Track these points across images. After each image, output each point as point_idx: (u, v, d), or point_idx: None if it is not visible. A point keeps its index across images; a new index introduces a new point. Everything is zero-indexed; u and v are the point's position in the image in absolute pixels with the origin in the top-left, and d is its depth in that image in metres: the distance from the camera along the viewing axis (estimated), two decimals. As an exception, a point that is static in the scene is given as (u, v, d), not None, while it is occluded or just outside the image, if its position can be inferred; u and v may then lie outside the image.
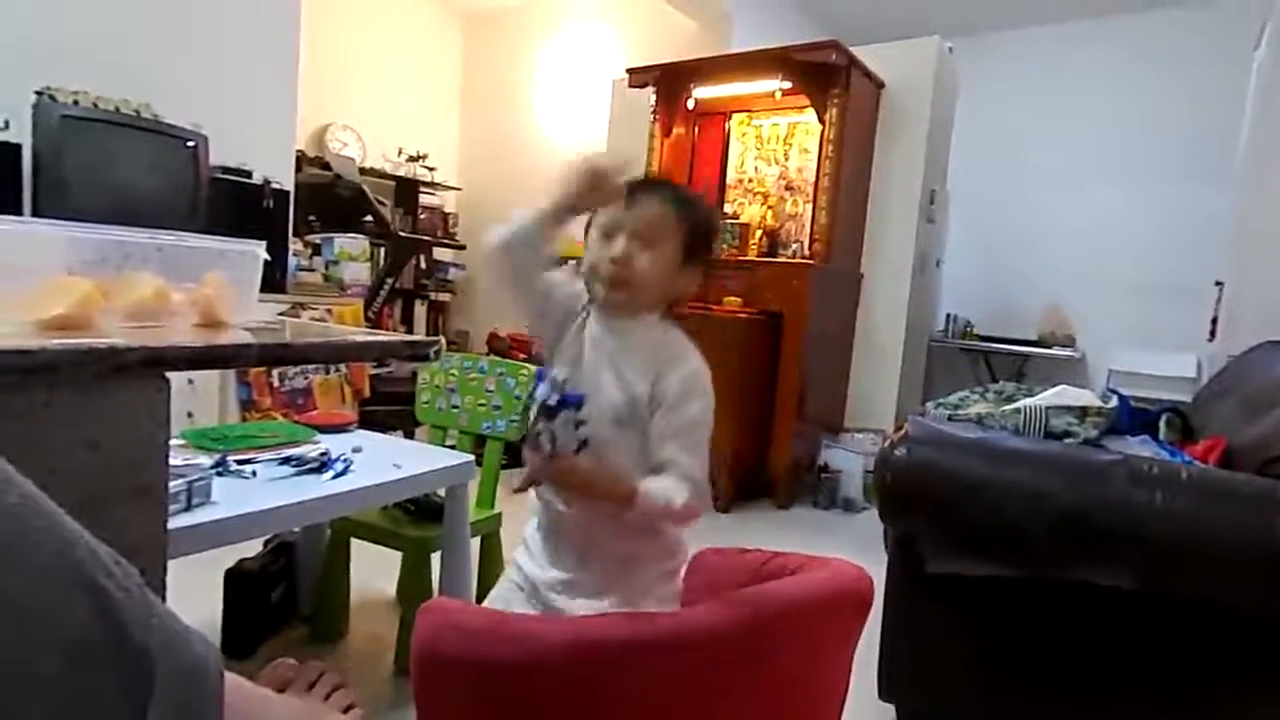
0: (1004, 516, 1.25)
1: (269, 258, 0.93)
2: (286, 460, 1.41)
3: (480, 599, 1.84)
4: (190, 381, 2.59)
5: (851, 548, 2.58)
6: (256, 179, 3.15)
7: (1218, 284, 2.95)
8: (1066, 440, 1.42)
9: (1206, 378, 4.02)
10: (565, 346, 1.02)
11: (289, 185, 3.38)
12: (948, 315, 4.96)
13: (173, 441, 1.49)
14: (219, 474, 1.32)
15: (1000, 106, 4.88)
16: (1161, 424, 1.58)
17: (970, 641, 1.38)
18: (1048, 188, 4.86)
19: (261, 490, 1.26)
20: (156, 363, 0.65)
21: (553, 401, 0.95)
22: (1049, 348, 4.69)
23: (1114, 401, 1.45)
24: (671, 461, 0.92)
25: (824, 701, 0.93)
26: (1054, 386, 1.61)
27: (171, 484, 1.10)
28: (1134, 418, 1.51)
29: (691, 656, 0.78)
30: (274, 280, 3.18)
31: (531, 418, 0.97)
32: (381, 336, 0.93)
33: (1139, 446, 1.40)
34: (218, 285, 0.82)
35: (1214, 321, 3.06)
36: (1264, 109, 2.64)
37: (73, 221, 0.82)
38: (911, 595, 1.45)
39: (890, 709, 1.53)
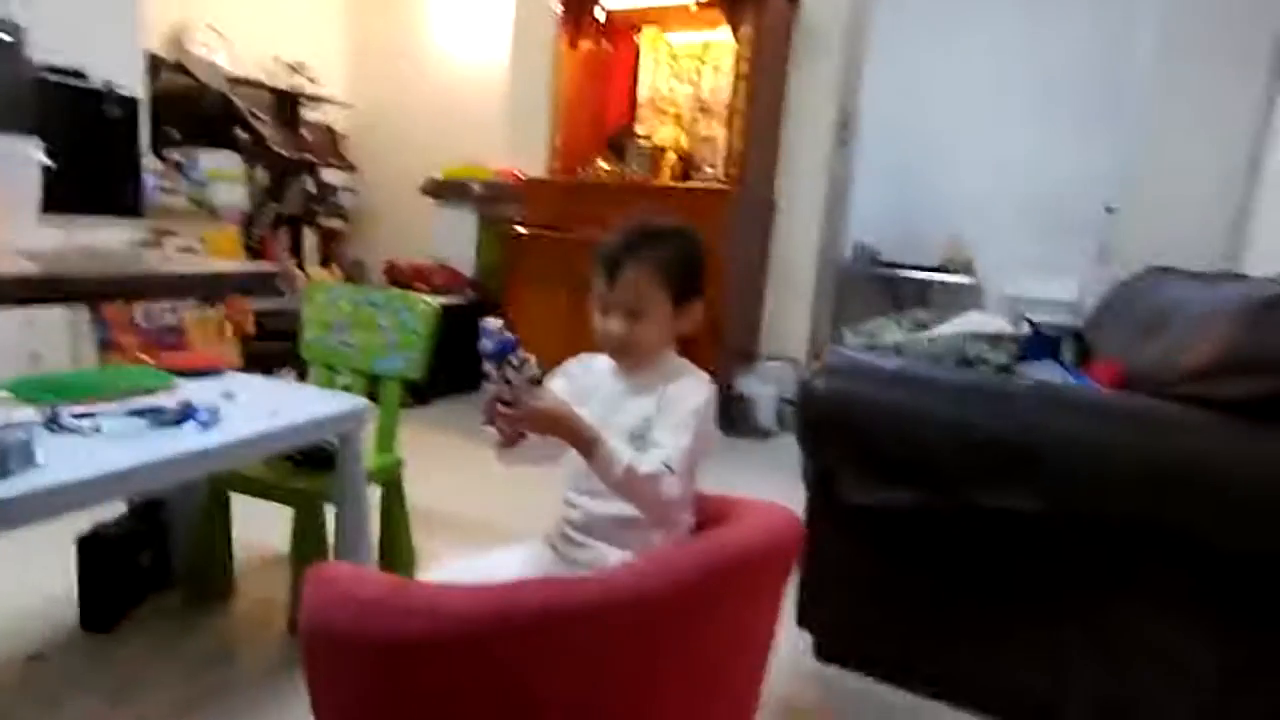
0: (921, 444, 1.24)
1: (50, 162, 0.73)
2: (138, 412, 1.22)
3: (383, 552, 1.73)
4: (29, 321, 2.25)
5: (765, 475, 2.61)
6: (96, 83, 2.69)
7: (1109, 210, 3.07)
8: (980, 367, 1.42)
9: (1089, 302, 4.30)
10: (584, 389, 1.09)
11: (139, 92, 2.92)
12: (855, 243, 5.02)
13: (-9, 394, 1.26)
14: (50, 430, 1.12)
15: (912, 27, 4.83)
16: (1064, 348, 1.61)
17: (883, 569, 1.39)
18: (951, 113, 4.92)
19: (103, 449, 1.07)
20: None
21: (493, 349, 0.91)
22: (950, 275, 4.86)
23: (1024, 328, 1.46)
24: (655, 443, 0.97)
25: (758, 649, 0.89)
26: (963, 314, 1.61)
27: (-25, 447, 0.91)
28: (1040, 343, 1.53)
29: (621, 622, 0.70)
30: (126, 202, 2.78)
31: (490, 371, 0.93)
32: (208, 268, 0.76)
33: (1046, 371, 1.42)
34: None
35: (1103, 248, 3.21)
36: (1164, 40, 2.70)
37: None
38: (829, 526, 1.45)
39: (806, 636, 1.55)
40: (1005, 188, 4.82)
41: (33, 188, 0.73)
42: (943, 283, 4.87)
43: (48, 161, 0.74)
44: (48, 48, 2.52)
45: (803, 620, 1.49)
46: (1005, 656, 1.33)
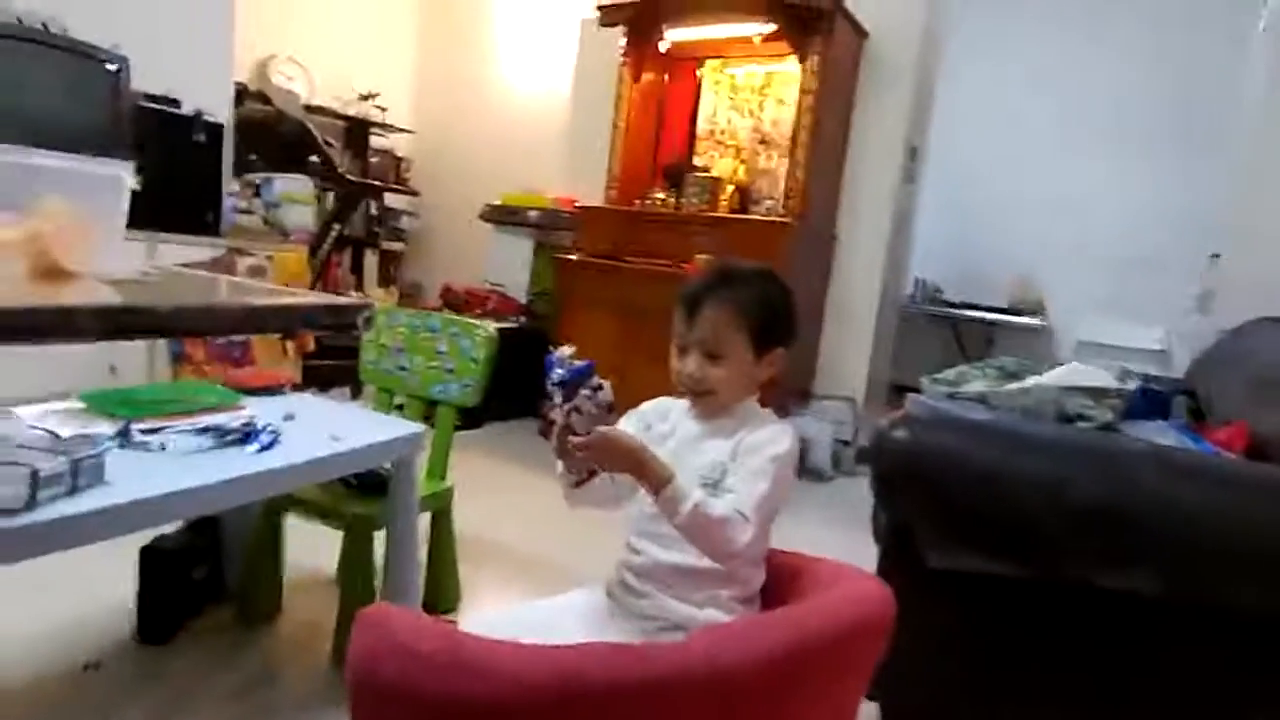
0: (1018, 509, 1.14)
1: (137, 185, 0.72)
2: (204, 430, 1.22)
3: (430, 581, 1.70)
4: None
5: (822, 522, 2.51)
6: (187, 110, 2.81)
7: (1213, 256, 2.89)
8: (1081, 424, 1.32)
9: (1179, 351, 4.05)
10: (658, 435, 1.05)
11: (225, 119, 3.05)
12: (916, 279, 4.88)
13: (69, 405, 1.28)
14: (121, 446, 1.12)
15: (983, 63, 4.73)
16: (1175, 406, 1.49)
17: (967, 639, 1.28)
18: (1025, 150, 4.77)
19: (170, 468, 1.07)
20: None
21: (568, 376, 0.88)
22: (1018, 315, 4.67)
23: (1131, 383, 1.35)
24: (729, 490, 0.93)
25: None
26: (1060, 365, 1.51)
27: (52, 462, 0.91)
28: (1148, 400, 1.41)
29: (694, 700, 0.64)
30: (207, 223, 2.89)
31: (554, 401, 0.91)
32: (292, 300, 0.74)
33: (1159, 433, 1.31)
34: (57, 219, 0.61)
35: (1206, 295, 3.01)
36: (1274, 74, 2.54)
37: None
38: (902, 585, 1.34)
39: (873, 707, 1.44)
40: (1081, 226, 4.62)
41: (120, 210, 0.72)
42: (1010, 324, 4.68)
43: (135, 185, 0.74)
44: (147, 76, 2.65)
45: (871, 690, 1.38)
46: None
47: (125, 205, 0.74)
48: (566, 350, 0.90)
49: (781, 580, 0.98)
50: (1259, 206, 2.40)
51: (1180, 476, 1.05)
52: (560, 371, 0.88)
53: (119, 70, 2.54)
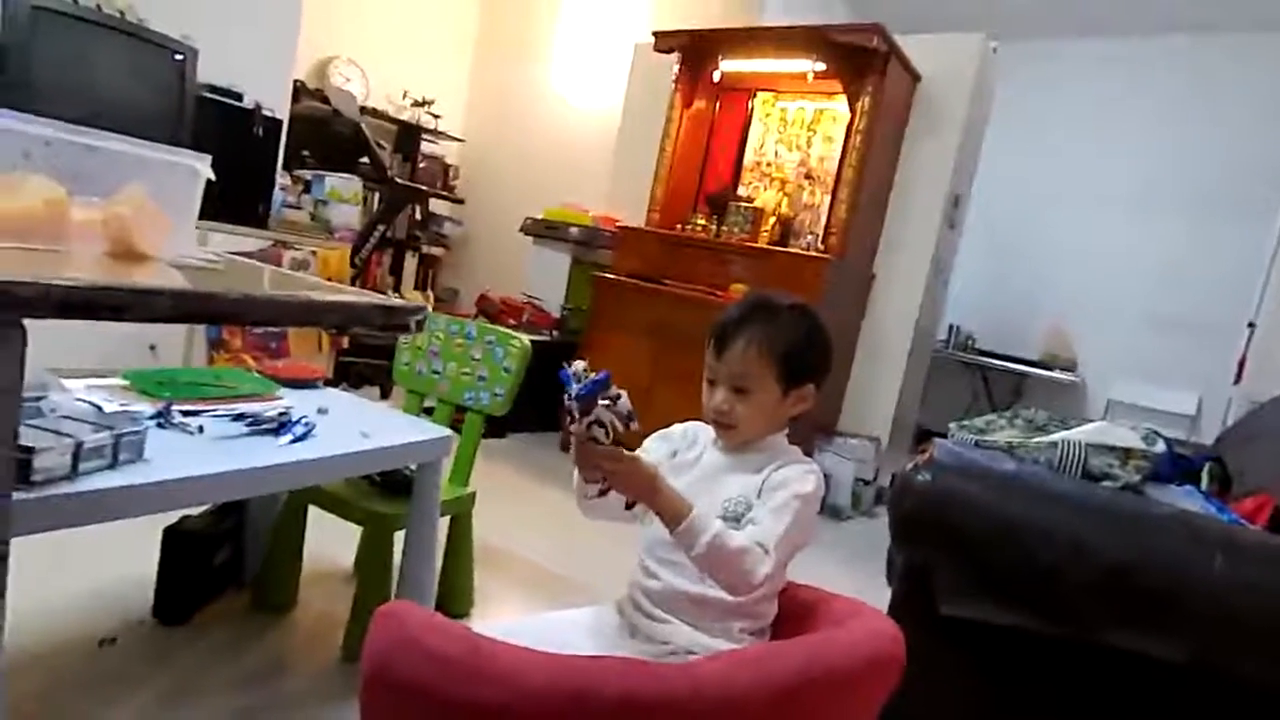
0: (1038, 564, 1.12)
1: (213, 175, 0.76)
2: (240, 416, 1.25)
3: (444, 584, 1.71)
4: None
5: (839, 560, 2.48)
6: (248, 103, 2.93)
7: (1250, 325, 2.84)
8: (1105, 483, 1.29)
9: (1210, 417, 3.96)
10: (683, 462, 1.05)
11: (283, 114, 3.16)
12: (950, 325, 4.84)
13: (112, 382, 1.32)
14: (160, 425, 1.16)
15: (1033, 116, 4.71)
16: (1204, 474, 1.46)
17: (980, 691, 1.26)
18: (1066, 205, 4.73)
19: (205, 450, 1.10)
20: (2, 303, 0.47)
21: (585, 390, 0.87)
22: (1049, 369, 4.60)
23: (1159, 445, 1.33)
24: (752, 521, 0.92)
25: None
26: (1090, 421, 1.48)
27: (95, 436, 0.94)
28: (1175, 464, 1.39)
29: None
30: (256, 214, 2.98)
31: (574, 414, 0.90)
32: (348, 298, 0.76)
33: (1185, 498, 1.28)
34: (137, 204, 0.65)
35: (1240, 363, 2.95)
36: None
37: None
38: (916, 631, 1.32)
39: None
40: (1118, 284, 4.55)
41: (194, 200, 0.76)
42: (1041, 378, 4.60)
43: (212, 176, 0.77)
44: (213, 67, 2.76)
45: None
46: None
47: (199, 195, 0.77)
48: (579, 364, 0.89)
49: (795, 612, 0.98)
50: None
51: (1204, 544, 1.02)
52: (576, 386, 0.88)
53: (186, 60, 2.65)
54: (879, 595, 1.38)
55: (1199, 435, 3.90)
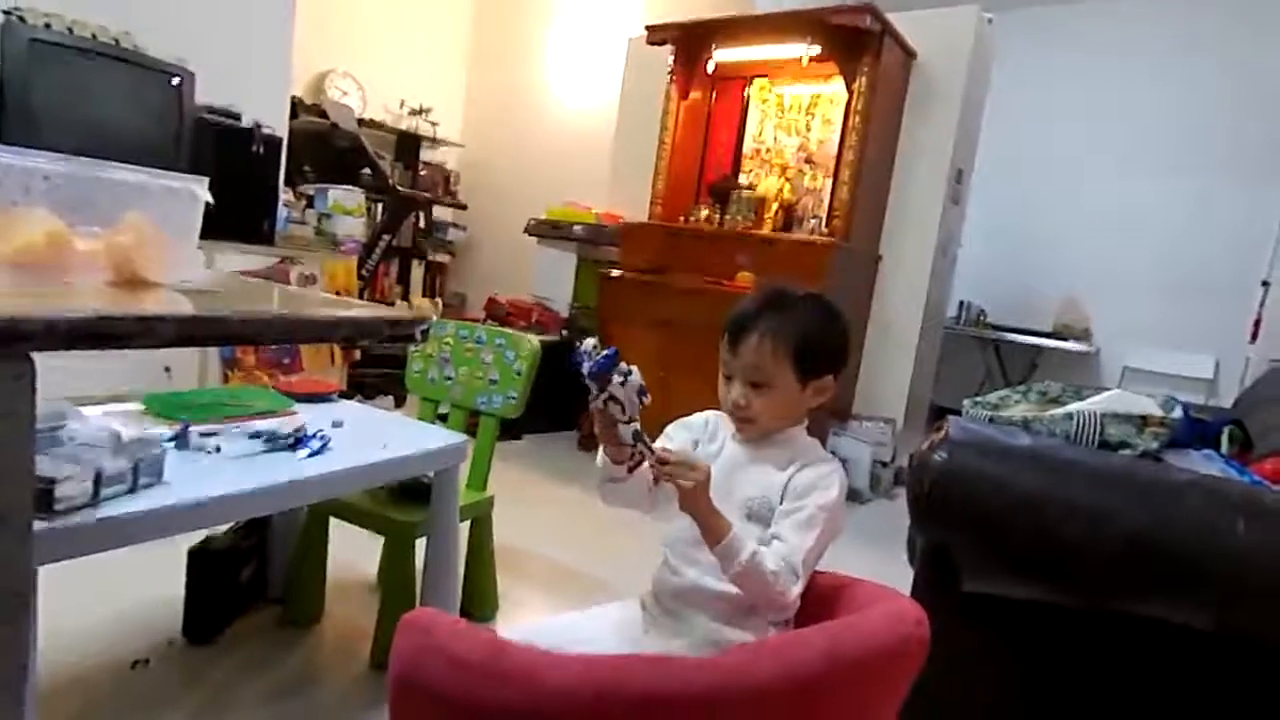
0: (1059, 537, 1.11)
1: (211, 199, 0.77)
2: (257, 434, 1.26)
3: (467, 589, 1.73)
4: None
5: (860, 543, 2.47)
6: (246, 122, 2.95)
7: (1264, 284, 2.80)
8: (1123, 452, 1.28)
9: (1228, 380, 3.90)
10: (705, 455, 1.03)
11: (282, 131, 3.18)
12: (961, 302, 4.80)
13: (130, 407, 1.34)
14: (178, 447, 1.17)
15: (1031, 85, 4.66)
16: (1224, 437, 1.44)
17: (1005, 668, 1.25)
18: (1073, 174, 4.67)
19: (224, 470, 1.11)
20: (9, 337, 0.48)
21: (597, 367, 0.88)
22: (1063, 340, 4.55)
23: (1177, 411, 1.31)
24: (778, 538, 0.92)
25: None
26: (1106, 391, 1.47)
27: (115, 461, 0.96)
28: (1194, 429, 1.37)
29: (731, 713, 0.64)
30: (261, 232, 3.01)
31: (593, 393, 0.90)
32: (355, 312, 0.77)
33: (1204, 463, 1.26)
34: (139, 231, 0.66)
35: (1256, 323, 2.91)
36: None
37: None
38: (941, 609, 1.32)
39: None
40: (1129, 250, 4.50)
41: (195, 224, 0.77)
42: (1056, 349, 4.56)
43: (210, 199, 0.78)
44: (210, 88, 2.78)
45: (902, 715, 1.36)
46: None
47: (199, 218, 0.79)
48: (590, 342, 0.90)
49: (818, 599, 0.98)
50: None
51: (1225, 508, 1.01)
52: (589, 364, 0.88)
53: (184, 84, 2.67)
54: (902, 576, 1.37)
55: (1217, 398, 3.85)
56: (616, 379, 0.88)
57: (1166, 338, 4.32)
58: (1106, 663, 1.17)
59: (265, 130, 2.99)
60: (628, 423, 0.90)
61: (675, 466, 0.89)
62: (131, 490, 0.97)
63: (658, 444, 0.95)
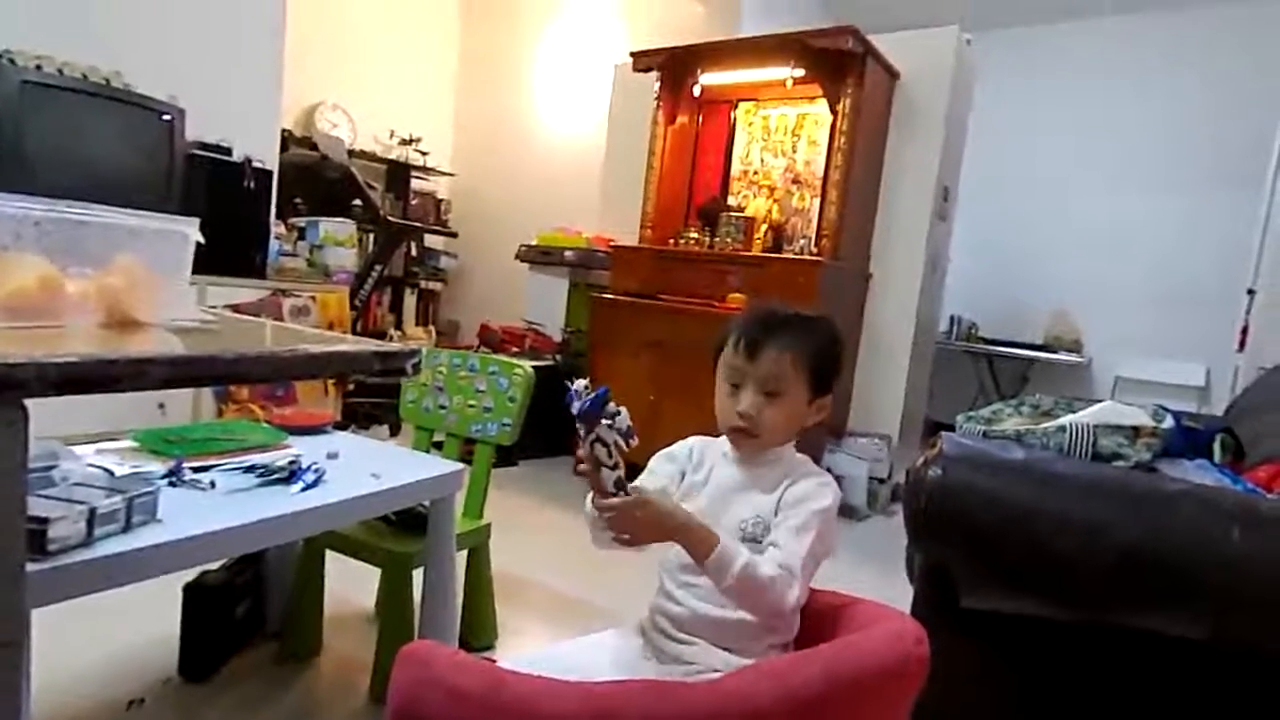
0: (1053, 551, 1.12)
1: (202, 239, 0.77)
2: (251, 468, 1.26)
3: (466, 618, 1.71)
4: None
5: (858, 560, 2.46)
6: (237, 157, 2.97)
7: (1250, 292, 2.84)
8: (1116, 463, 1.29)
9: (1220, 387, 3.93)
10: (691, 486, 1.04)
11: (272, 165, 3.20)
12: (952, 317, 4.84)
13: (123, 445, 1.34)
14: (171, 484, 1.17)
15: (1015, 103, 4.74)
16: (1216, 445, 1.45)
17: (1005, 684, 1.25)
18: (1060, 189, 4.74)
19: (219, 505, 1.11)
20: (1, 385, 0.48)
21: (587, 408, 0.88)
22: (1055, 353, 4.58)
23: (1168, 421, 1.32)
24: (774, 544, 0.92)
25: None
26: (1097, 403, 1.48)
27: (108, 500, 0.95)
28: (1186, 438, 1.38)
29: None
30: (254, 265, 3.02)
31: (581, 434, 0.90)
32: (345, 347, 0.77)
33: (1197, 472, 1.27)
34: (129, 273, 0.66)
35: (1244, 331, 2.95)
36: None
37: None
38: (940, 626, 1.31)
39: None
40: (1118, 262, 4.55)
41: (186, 264, 0.77)
42: (1047, 361, 4.59)
43: (201, 239, 0.79)
44: (200, 124, 2.81)
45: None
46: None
47: (190, 258, 0.79)
48: (581, 383, 0.90)
49: (818, 620, 0.98)
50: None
51: (1219, 517, 1.02)
52: (579, 404, 0.88)
53: (174, 121, 2.70)
54: (902, 593, 1.37)
55: (1209, 406, 3.88)
56: (604, 421, 0.87)
57: (1157, 347, 4.35)
58: (1104, 675, 1.17)
59: (256, 164, 3.01)
60: (612, 468, 0.89)
61: (617, 518, 0.88)
62: (125, 529, 0.96)
63: (640, 479, 0.94)
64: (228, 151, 2.94)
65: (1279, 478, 1.25)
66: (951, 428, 1.56)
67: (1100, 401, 1.46)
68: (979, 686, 1.26)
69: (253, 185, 2.97)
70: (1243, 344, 2.97)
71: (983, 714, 1.27)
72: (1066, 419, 1.35)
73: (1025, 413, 1.53)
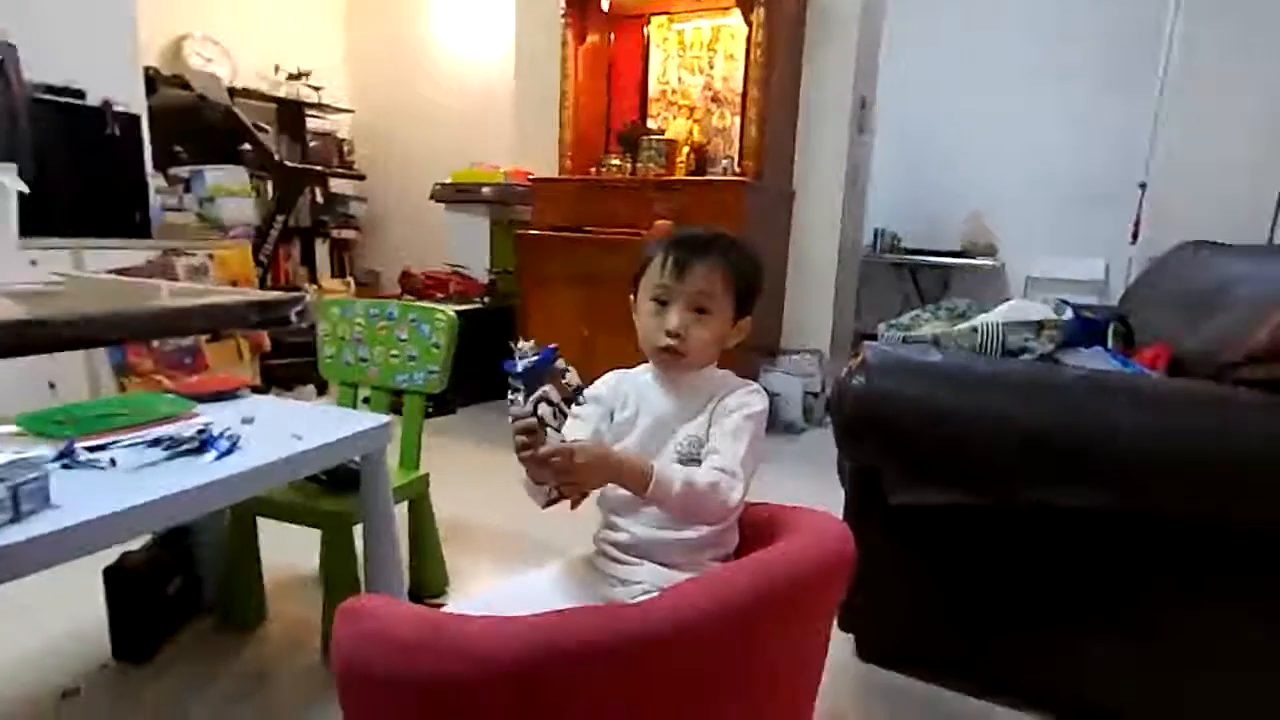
0: (967, 443, 1.18)
1: (25, 188, 0.68)
2: (156, 442, 1.18)
3: (414, 569, 1.70)
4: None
5: (796, 472, 2.56)
6: (93, 100, 2.64)
7: (1141, 186, 2.98)
8: (1024, 356, 1.36)
9: (1116, 280, 4.18)
10: (622, 423, 1.03)
11: (139, 109, 2.88)
12: (875, 230, 4.92)
13: (5, 430, 1.23)
14: (66, 467, 1.08)
15: (924, 8, 4.71)
16: (1109, 333, 1.54)
17: (930, 571, 1.34)
18: (968, 93, 4.79)
19: (121, 484, 1.03)
20: None
21: (528, 367, 0.85)
22: (972, 258, 4.75)
23: (1067, 313, 1.39)
24: (713, 451, 0.93)
25: (812, 669, 0.83)
26: (1004, 302, 1.54)
27: (-9, 490, 0.87)
28: (1084, 328, 1.46)
29: (665, 652, 0.65)
30: (134, 224, 2.76)
31: (519, 399, 0.86)
32: (212, 300, 0.71)
33: (1092, 358, 1.35)
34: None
35: (1136, 224, 3.11)
36: (1191, 11, 2.59)
37: None
38: (871, 527, 1.38)
39: (850, 639, 1.50)
40: (1026, 166, 4.69)
41: (9, 218, 0.68)
42: (966, 266, 4.76)
43: (23, 188, 0.69)
44: (40, 65, 2.46)
45: (844, 622, 1.44)
46: (1060, 659, 1.26)
47: (13, 211, 0.69)
48: (527, 344, 0.87)
49: (754, 531, 1.01)
50: (1180, 137, 2.45)
51: (1108, 396, 1.10)
52: (522, 362, 0.85)
53: (3, 60, 2.35)
54: (839, 501, 1.43)
55: (1109, 298, 4.12)
56: (552, 382, 0.85)
57: (1062, 246, 4.56)
58: (1026, 553, 1.26)
59: (118, 108, 2.69)
60: (557, 429, 0.86)
61: (561, 471, 0.85)
62: (14, 519, 0.89)
63: (567, 427, 0.91)
64: (81, 94, 2.60)
65: (1161, 357, 1.34)
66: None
67: (1009, 301, 1.52)
68: (909, 574, 1.35)
69: (117, 132, 2.66)
70: (1135, 236, 3.14)
71: (913, 598, 1.36)
72: (978, 320, 1.40)
73: (942, 317, 1.58)
